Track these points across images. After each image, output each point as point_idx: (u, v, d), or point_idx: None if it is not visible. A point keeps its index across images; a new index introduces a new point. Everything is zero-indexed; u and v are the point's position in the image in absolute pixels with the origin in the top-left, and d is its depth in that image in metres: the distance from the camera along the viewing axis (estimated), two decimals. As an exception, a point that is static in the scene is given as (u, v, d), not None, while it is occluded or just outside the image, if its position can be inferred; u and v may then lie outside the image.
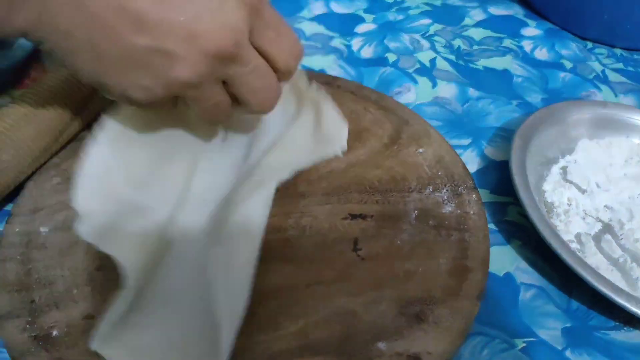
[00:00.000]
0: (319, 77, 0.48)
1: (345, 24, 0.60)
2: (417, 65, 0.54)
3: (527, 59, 0.57)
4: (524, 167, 0.40)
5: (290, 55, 0.32)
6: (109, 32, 0.25)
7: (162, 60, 0.26)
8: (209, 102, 0.30)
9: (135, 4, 0.25)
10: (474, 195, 0.38)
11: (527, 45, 0.60)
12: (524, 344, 0.33)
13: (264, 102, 0.32)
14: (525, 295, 0.35)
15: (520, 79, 0.54)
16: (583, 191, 0.43)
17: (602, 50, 0.61)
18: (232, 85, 0.30)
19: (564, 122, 0.45)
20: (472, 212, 0.36)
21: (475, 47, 0.59)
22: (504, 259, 0.37)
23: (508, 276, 0.36)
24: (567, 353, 0.32)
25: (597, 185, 0.44)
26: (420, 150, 0.41)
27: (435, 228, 0.35)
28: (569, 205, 0.42)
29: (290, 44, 0.32)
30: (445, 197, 0.38)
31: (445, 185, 0.38)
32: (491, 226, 0.40)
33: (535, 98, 0.52)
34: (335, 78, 0.48)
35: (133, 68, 0.27)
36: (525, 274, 0.37)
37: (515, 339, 0.33)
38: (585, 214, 0.41)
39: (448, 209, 0.37)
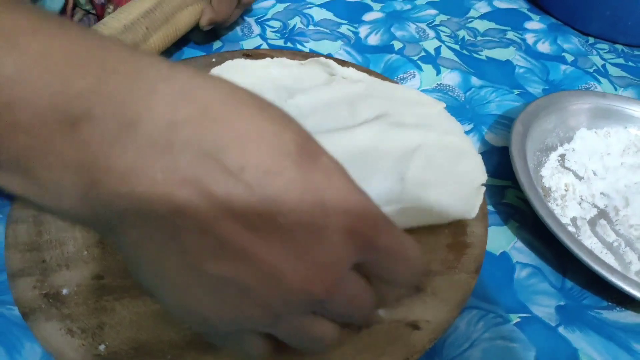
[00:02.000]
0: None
1: (353, 12, 0.61)
2: (422, 53, 0.55)
3: (530, 51, 0.58)
4: (524, 152, 0.41)
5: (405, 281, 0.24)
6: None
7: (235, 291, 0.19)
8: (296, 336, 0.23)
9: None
10: (474, 176, 0.38)
11: (530, 38, 0.61)
12: (519, 319, 0.34)
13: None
14: (520, 273, 0.36)
15: (522, 70, 0.55)
16: (580, 178, 0.44)
17: (604, 45, 0.62)
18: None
19: (563, 111, 0.46)
20: (472, 193, 0.37)
21: (479, 38, 0.60)
22: (501, 239, 0.38)
23: (504, 255, 0.37)
24: (561, 329, 0.33)
25: (594, 173, 0.45)
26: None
27: (436, 205, 0.36)
28: (566, 190, 0.43)
29: (409, 267, 0.23)
30: (446, 177, 0.38)
31: (447, 166, 0.39)
32: (490, 208, 0.40)
33: (536, 88, 0.53)
34: (343, 61, 0.49)
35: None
36: (521, 253, 0.38)
37: (510, 314, 0.34)
38: (582, 199, 0.42)
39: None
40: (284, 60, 0.45)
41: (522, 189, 0.37)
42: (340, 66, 0.44)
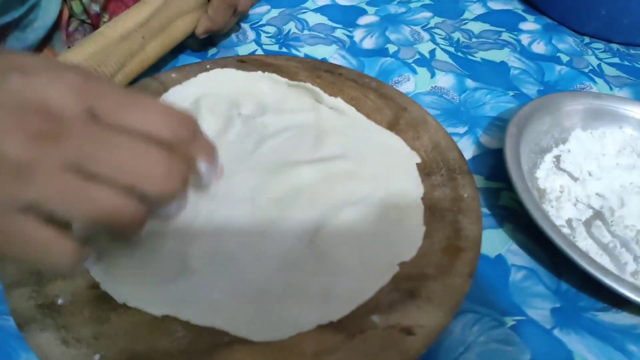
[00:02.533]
0: (321, 65, 0.49)
1: (348, 16, 0.61)
2: (417, 56, 0.55)
3: (525, 52, 0.58)
4: (518, 154, 0.41)
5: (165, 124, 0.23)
6: None
7: None
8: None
9: None
10: (468, 180, 0.39)
11: (525, 39, 0.61)
12: (514, 322, 0.34)
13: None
14: (515, 276, 0.36)
15: (517, 71, 0.55)
16: (575, 179, 0.44)
17: (599, 45, 0.62)
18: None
19: (558, 112, 0.46)
20: (466, 195, 0.37)
21: (474, 39, 0.60)
22: (496, 242, 0.38)
23: (499, 258, 0.38)
24: (556, 332, 0.33)
25: (590, 174, 0.45)
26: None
27: (430, 209, 0.36)
28: (561, 192, 0.43)
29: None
30: (440, 181, 0.39)
31: (440, 170, 0.39)
32: (485, 210, 0.41)
33: (531, 89, 0.53)
34: (337, 66, 0.49)
35: None
36: (516, 256, 0.38)
37: (505, 317, 0.34)
38: (577, 200, 0.42)
39: (443, 191, 0.38)
40: (273, 76, 0.45)
41: (516, 191, 0.37)
42: (327, 95, 0.44)
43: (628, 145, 0.47)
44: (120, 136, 0.22)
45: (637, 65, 0.59)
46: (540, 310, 0.35)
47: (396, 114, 0.44)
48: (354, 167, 0.38)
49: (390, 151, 0.40)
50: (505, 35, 0.61)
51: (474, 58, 0.57)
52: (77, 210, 0.21)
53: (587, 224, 0.41)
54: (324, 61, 0.51)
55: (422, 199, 0.37)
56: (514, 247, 0.38)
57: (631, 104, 0.48)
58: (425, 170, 0.39)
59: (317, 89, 0.44)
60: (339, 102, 0.43)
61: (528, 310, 0.35)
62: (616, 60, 0.60)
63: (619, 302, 0.35)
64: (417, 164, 0.39)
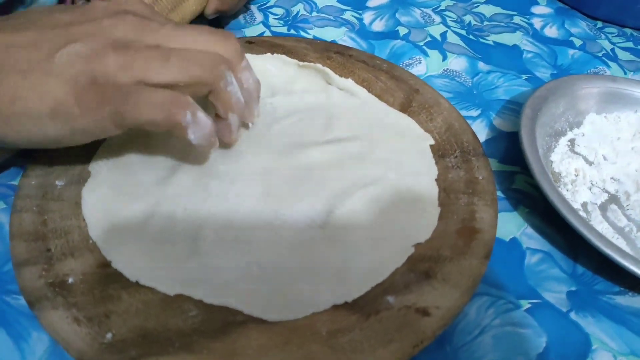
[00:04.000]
0: (331, 47, 0.48)
1: (354, -3, 0.60)
2: (428, 39, 0.54)
3: (537, 36, 0.57)
4: (534, 136, 0.40)
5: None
6: None
7: None
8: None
9: None
10: (483, 162, 0.38)
11: (537, 23, 0.60)
12: (529, 305, 0.33)
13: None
14: (530, 259, 0.36)
15: (530, 55, 0.54)
16: (590, 163, 0.43)
17: (612, 29, 0.61)
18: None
19: (572, 95, 0.46)
20: (480, 177, 0.37)
21: (485, 22, 0.59)
22: (511, 225, 0.38)
23: (514, 241, 0.37)
24: (572, 315, 0.33)
25: (604, 158, 0.44)
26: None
27: (444, 191, 0.36)
28: (576, 175, 0.42)
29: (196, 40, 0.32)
30: (454, 163, 0.38)
31: (454, 152, 0.39)
32: (499, 194, 0.40)
33: (544, 73, 0.52)
34: (347, 48, 0.49)
35: None
36: (531, 239, 0.37)
37: (521, 300, 0.33)
38: (592, 184, 0.42)
39: (457, 173, 0.37)
40: (283, 58, 0.44)
41: (533, 174, 0.37)
42: (337, 77, 0.43)
43: (644, 129, 0.46)
44: (184, 30, 0.32)
45: (649, 49, 0.58)
46: (556, 294, 0.34)
47: (408, 95, 0.43)
48: (366, 149, 0.37)
49: (403, 133, 0.39)
50: (517, 19, 0.60)
51: (486, 41, 0.56)
52: (171, 70, 0.29)
53: (603, 207, 0.40)
54: (333, 43, 0.51)
55: (436, 180, 0.36)
56: (529, 230, 0.38)
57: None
58: (439, 152, 0.39)
59: (328, 70, 0.43)
60: (349, 83, 0.42)
61: (544, 293, 0.34)
62: (630, 44, 0.59)
63: (636, 285, 0.35)
64: (431, 146, 0.39)
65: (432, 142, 0.39)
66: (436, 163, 0.38)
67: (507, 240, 0.37)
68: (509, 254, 0.36)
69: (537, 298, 0.34)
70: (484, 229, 0.33)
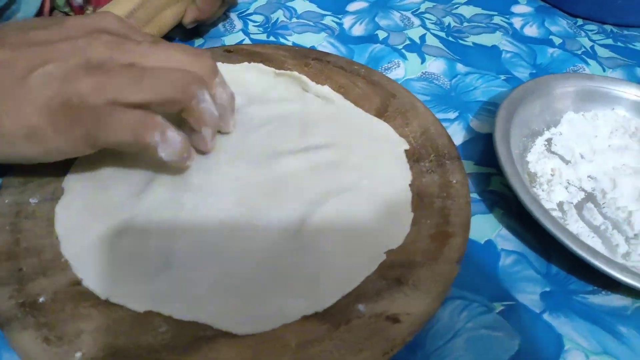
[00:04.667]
0: (309, 53, 0.48)
1: (337, 2, 0.60)
2: (407, 42, 0.55)
3: (517, 36, 0.58)
4: (508, 137, 0.40)
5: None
6: None
7: None
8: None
9: None
10: (457, 165, 0.38)
11: (517, 22, 0.60)
12: (503, 307, 0.33)
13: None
14: (505, 261, 0.36)
15: (509, 55, 0.55)
16: (567, 162, 0.44)
17: (592, 26, 0.61)
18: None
19: (549, 94, 0.46)
20: (454, 181, 0.37)
21: (465, 24, 0.59)
22: (486, 227, 0.38)
23: (489, 243, 0.37)
24: (545, 316, 0.33)
25: (582, 157, 0.44)
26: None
27: (418, 196, 0.36)
28: (552, 175, 0.42)
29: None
30: (429, 167, 0.38)
31: (429, 156, 0.39)
32: (475, 196, 0.40)
33: (523, 73, 0.52)
34: (325, 54, 0.49)
35: None
36: (506, 240, 0.37)
37: (494, 302, 0.34)
38: (569, 183, 0.42)
39: (432, 178, 0.37)
40: (259, 66, 0.45)
41: (505, 175, 0.37)
42: (314, 84, 0.43)
43: (620, 126, 0.47)
44: (159, 48, 0.32)
45: (630, 46, 0.58)
46: (529, 295, 0.34)
47: (385, 100, 0.44)
48: (341, 156, 0.38)
49: (378, 138, 0.40)
50: (497, 19, 0.60)
51: (465, 42, 0.56)
52: (143, 90, 0.30)
53: (579, 206, 0.40)
54: (312, 49, 0.51)
55: (411, 185, 0.37)
56: (504, 232, 0.38)
57: (623, 85, 0.47)
58: (413, 157, 0.39)
59: (304, 78, 0.43)
60: (326, 90, 0.43)
61: (517, 295, 0.34)
62: (609, 41, 0.59)
63: (609, 284, 0.35)
64: (406, 151, 0.39)
65: (407, 147, 0.39)
66: (411, 168, 0.38)
67: (482, 242, 0.37)
68: (483, 256, 0.36)
69: (511, 300, 0.34)
70: (457, 233, 0.34)
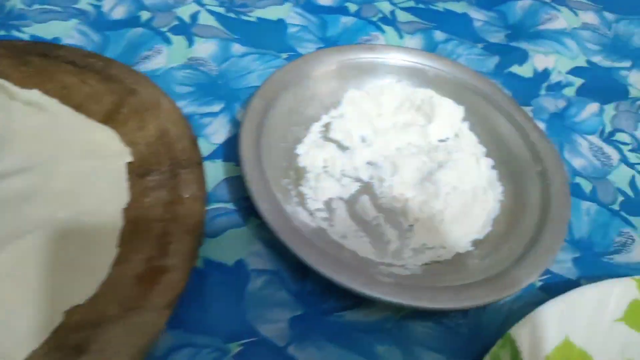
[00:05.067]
0: (34, 48, 0.39)
1: (94, -19, 0.51)
2: (175, 22, 0.47)
3: (308, 6, 0.52)
4: (258, 134, 0.34)
5: None
6: None
7: None
8: None
9: None
10: (195, 174, 0.32)
11: (313, -10, 0.54)
12: (240, 347, 0.28)
13: None
14: (255, 284, 0.30)
15: (295, 29, 0.48)
16: (345, 149, 0.38)
17: (396, -13, 0.56)
18: None
19: (321, 73, 0.40)
20: (187, 196, 0.30)
21: (253, -5, 0.52)
22: (238, 244, 0.32)
23: (239, 264, 0.31)
24: (290, 349, 0.28)
25: (363, 140, 0.39)
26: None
27: (134, 222, 0.29)
28: (325, 167, 0.37)
29: None
30: (158, 181, 0.31)
31: (162, 166, 0.32)
32: (230, 205, 0.34)
33: (309, 48, 0.47)
34: (57, 46, 0.40)
35: None
36: (259, 257, 0.32)
37: (231, 343, 0.28)
38: (343, 175, 0.37)
39: (158, 195, 0.30)
40: None
41: (246, 185, 0.31)
42: (18, 89, 0.34)
43: (407, 100, 0.42)
44: None
45: (433, 7, 0.55)
46: (277, 324, 0.29)
47: (120, 99, 0.36)
48: (39, 183, 0.30)
49: (95, 152, 0.32)
50: (297, -12, 0.54)
51: (249, 18, 0.49)
52: None
53: (351, 201, 0.35)
54: (44, 42, 0.42)
55: (125, 210, 0.29)
56: (258, 246, 0.32)
57: (407, 53, 0.43)
58: (139, 170, 0.32)
59: (5, 83, 0.34)
60: (34, 95, 0.34)
61: (262, 326, 0.29)
62: (411, 4, 0.55)
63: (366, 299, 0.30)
64: (129, 164, 0.32)
65: (130, 159, 0.32)
66: (132, 186, 0.31)
67: (232, 264, 0.31)
68: (228, 284, 0.30)
69: (253, 336, 0.28)
70: (175, 266, 0.27)
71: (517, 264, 0.30)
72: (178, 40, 0.45)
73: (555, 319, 0.29)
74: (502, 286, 0.29)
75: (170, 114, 0.35)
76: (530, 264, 0.30)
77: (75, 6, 0.48)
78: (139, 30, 0.46)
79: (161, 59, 0.43)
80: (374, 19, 0.51)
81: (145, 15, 0.47)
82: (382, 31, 0.50)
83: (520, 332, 0.28)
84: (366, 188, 0.36)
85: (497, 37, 0.52)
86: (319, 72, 0.39)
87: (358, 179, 0.37)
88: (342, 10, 0.52)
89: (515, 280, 0.29)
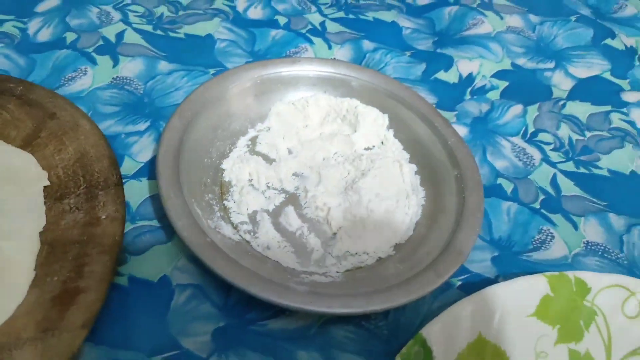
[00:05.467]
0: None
1: (19, 3, 0.50)
2: (101, 42, 0.47)
3: (238, 20, 0.52)
4: (179, 150, 0.35)
5: None
6: None
7: None
8: None
9: None
10: (113, 195, 0.32)
11: (240, 5, 0.55)
12: (161, 362, 0.28)
13: None
14: (179, 298, 0.31)
15: (224, 44, 0.49)
16: (271, 161, 0.39)
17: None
18: None
19: (237, 89, 0.41)
20: (103, 217, 0.31)
21: (181, 12, 0.52)
22: (162, 260, 0.33)
23: (163, 280, 0.32)
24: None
25: (290, 152, 0.40)
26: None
27: (51, 245, 0.29)
28: (250, 180, 0.38)
29: None
30: (74, 203, 0.31)
31: (79, 188, 0.32)
32: (154, 222, 0.34)
33: (237, 63, 0.47)
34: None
35: None
36: (183, 272, 0.32)
37: (153, 357, 0.28)
38: (268, 187, 0.38)
39: (75, 217, 0.30)
40: None
41: (162, 202, 0.31)
42: None
43: (333, 110, 0.43)
44: None
45: (362, 17, 0.56)
46: (200, 337, 0.30)
47: (39, 124, 0.36)
48: None
49: (13, 177, 0.32)
50: (219, 3, 0.54)
51: (176, 35, 0.49)
52: None
53: (276, 212, 0.36)
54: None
55: (42, 233, 0.29)
56: (182, 262, 0.33)
57: (335, 66, 0.44)
58: (57, 193, 0.32)
59: None
60: None
61: (185, 340, 0.29)
62: (342, 14, 0.56)
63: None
64: (46, 188, 0.32)
65: (47, 183, 0.32)
66: (49, 209, 0.31)
67: (156, 280, 0.32)
68: (153, 299, 0.31)
69: (176, 349, 0.29)
70: (90, 287, 0.27)
71: (430, 266, 0.31)
72: (103, 60, 0.45)
73: (468, 317, 0.30)
74: (413, 289, 0.30)
75: (90, 135, 0.36)
76: (441, 266, 0.31)
77: (0, 30, 0.47)
78: (65, 52, 0.46)
79: (86, 80, 0.43)
80: (303, 31, 0.53)
81: (70, 36, 0.47)
82: (311, 42, 0.51)
83: (431, 331, 0.29)
84: (291, 199, 0.37)
85: (424, 44, 0.54)
86: (241, 87, 0.39)
87: (283, 191, 0.38)
88: (271, 24, 0.53)
89: (426, 282, 0.30)
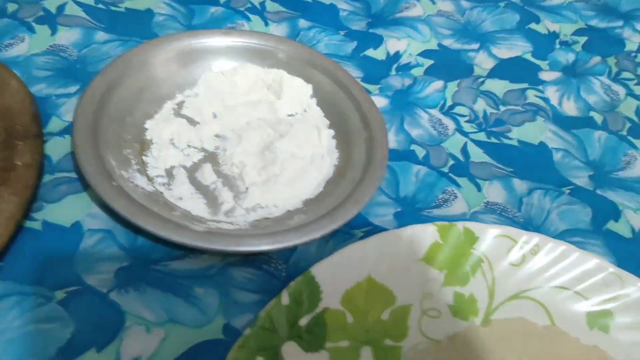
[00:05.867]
0: None
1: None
2: (41, 13, 0.49)
3: (178, -4, 0.54)
4: (100, 108, 0.37)
5: None
6: None
7: None
8: None
9: None
10: (30, 145, 0.34)
11: (183, -17, 0.57)
12: (65, 295, 0.30)
13: None
14: (88, 241, 0.33)
15: (162, 18, 0.51)
16: (195, 123, 0.41)
17: (267, -20, 0.60)
18: None
19: (166, 56, 0.43)
20: (19, 163, 0.33)
21: (123, -12, 0.54)
22: (76, 208, 0.35)
23: (76, 225, 0.34)
24: (112, 295, 0.31)
25: (215, 116, 0.43)
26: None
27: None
28: (172, 139, 0.40)
29: None
30: (-8, 152, 0.33)
31: (-1, 140, 0.34)
32: (72, 174, 0.36)
33: (172, 36, 0.49)
34: None
35: None
36: (95, 219, 0.34)
37: (56, 290, 0.30)
38: (188, 146, 0.40)
39: (-8, 165, 0.33)
40: None
41: (73, 149, 0.33)
42: None
43: (260, 80, 0.46)
44: None
45: (297, -2, 0.58)
46: (102, 275, 0.32)
47: (-32, 82, 0.38)
48: None
49: None
50: (162, -21, 0.56)
51: (117, 9, 0.51)
52: None
53: (193, 168, 0.39)
54: None
55: None
56: (96, 209, 0.35)
57: (265, 39, 0.46)
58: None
59: None
60: None
61: (88, 277, 0.31)
62: (283, -6, 0.58)
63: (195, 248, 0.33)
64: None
65: None
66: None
67: (69, 226, 0.34)
68: (63, 242, 0.33)
69: (78, 285, 0.31)
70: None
71: (327, 214, 0.34)
72: (41, 29, 0.47)
73: (357, 258, 0.33)
74: (305, 232, 0.32)
75: (17, 94, 0.38)
76: (337, 214, 0.34)
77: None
78: (4, 20, 0.47)
79: (23, 47, 0.45)
80: (242, 9, 0.55)
81: (12, 7, 0.49)
82: (249, 19, 0.54)
83: (320, 269, 0.32)
84: (210, 157, 0.40)
85: (358, 25, 0.56)
86: (170, 53, 0.42)
87: (203, 150, 0.40)
88: (211, 1, 0.55)
89: (320, 227, 0.33)
